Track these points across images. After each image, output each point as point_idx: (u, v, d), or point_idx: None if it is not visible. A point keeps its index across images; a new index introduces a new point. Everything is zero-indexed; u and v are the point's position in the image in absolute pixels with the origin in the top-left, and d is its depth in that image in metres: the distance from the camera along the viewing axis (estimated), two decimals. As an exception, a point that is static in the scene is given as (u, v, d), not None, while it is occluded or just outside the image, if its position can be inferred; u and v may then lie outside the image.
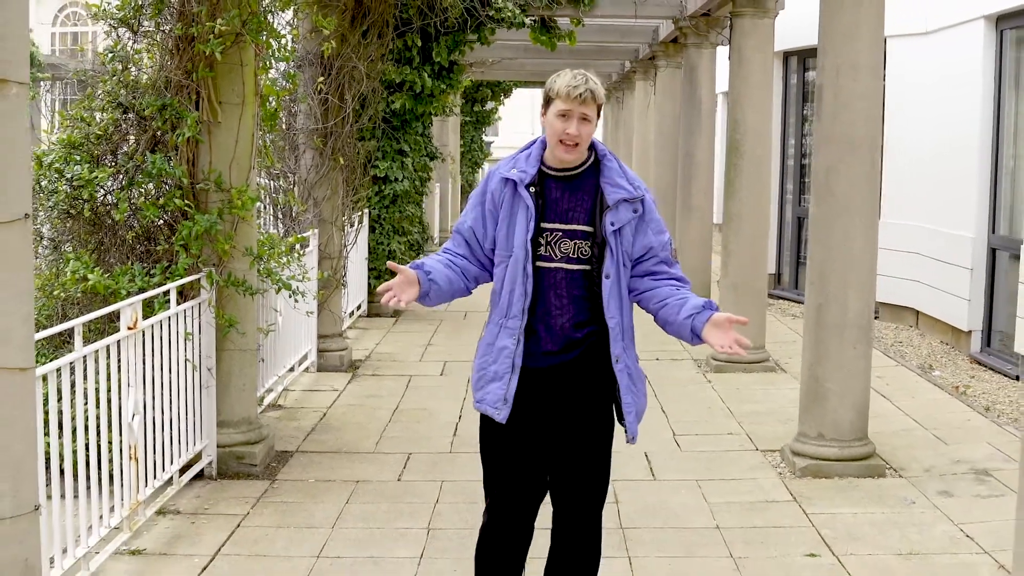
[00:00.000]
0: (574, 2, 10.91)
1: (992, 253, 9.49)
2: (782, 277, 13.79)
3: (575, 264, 3.45)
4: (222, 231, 5.63)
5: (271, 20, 6.04)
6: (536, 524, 3.63)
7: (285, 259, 6.77)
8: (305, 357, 8.32)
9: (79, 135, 5.83)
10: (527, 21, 10.95)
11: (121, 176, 5.79)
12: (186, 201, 5.61)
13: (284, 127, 8.60)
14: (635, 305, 3.59)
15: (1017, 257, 8.83)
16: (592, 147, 3.49)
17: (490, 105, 24.19)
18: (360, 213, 10.05)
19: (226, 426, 5.90)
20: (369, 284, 11.11)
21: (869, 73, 5.91)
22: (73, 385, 4.35)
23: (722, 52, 11.14)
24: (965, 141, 9.77)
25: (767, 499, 5.63)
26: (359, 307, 10.88)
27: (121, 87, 5.84)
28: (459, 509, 5.35)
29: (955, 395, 8.02)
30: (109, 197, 5.82)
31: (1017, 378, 8.57)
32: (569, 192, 3.47)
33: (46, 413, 4.04)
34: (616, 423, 3.58)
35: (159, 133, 5.73)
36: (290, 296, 6.80)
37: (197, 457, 5.71)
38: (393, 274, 3.40)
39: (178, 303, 5.38)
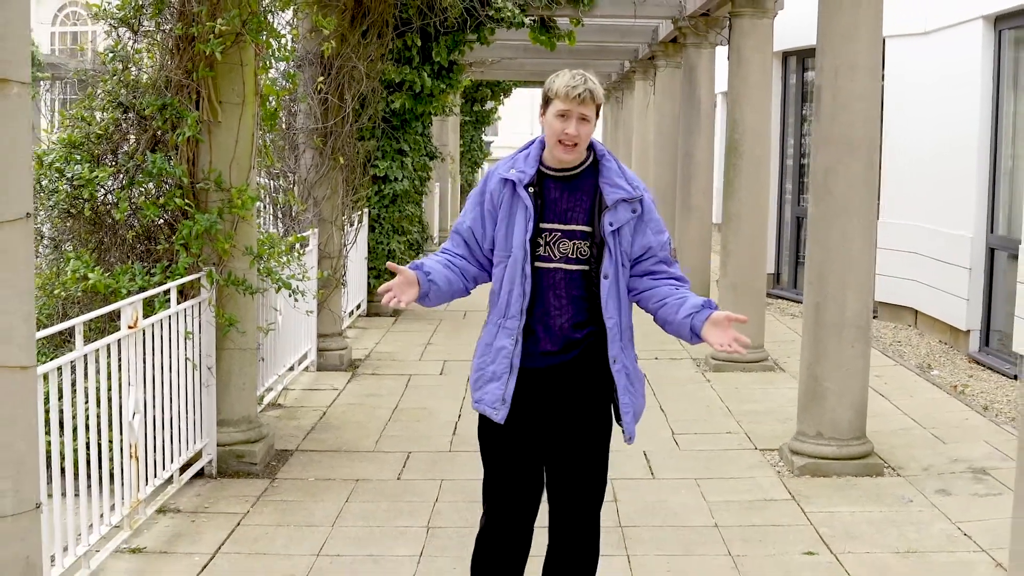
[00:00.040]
0: (573, 2, 10.92)
1: (991, 253, 9.51)
2: (781, 277, 13.81)
3: (574, 264, 3.45)
4: (222, 230, 5.64)
5: (271, 20, 6.05)
6: (535, 523, 3.64)
7: (285, 258, 6.79)
8: (305, 356, 8.33)
9: (79, 134, 5.84)
10: (526, 21, 10.97)
11: (121, 175, 5.81)
12: (186, 200, 5.62)
13: (284, 127, 8.61)
14: (635, 305, 3.59)
15: (1015, 257, 8.85)
16: (591, 147, 3.49)
17: (490, 105, 24.19)
18: (360, 212, 10.07)
19: (226, 425, 5.92)
20: (369, 283, 11.12)
21: (867, 74, 5.92)
22: (74, 384, 4.36)
23: (721, 52, 11.16)
24: (964, 141, 9.78)
25: (765, 498, 5.64)
26: (359, 306, 10.90)
27: (121, 87, 5.85)
28: (458, 508, 5.37)
29: (953, 394, 8.04)
30: (109, 196, 5.84)
31: (1015, 377, 8.58)
32: (568, 192, 3.47)
33: (47, 412, 4.05)
34: (614, 423, 3.59)
35: (159, 132, 5.75)
36: (290, 295, 6.82)
37: (197, 456, 5.73)
38: (393, 275, 3.40)
39: (178, 302, 5.40)
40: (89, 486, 4.44)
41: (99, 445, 4.55)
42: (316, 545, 4.91)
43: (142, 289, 5.39)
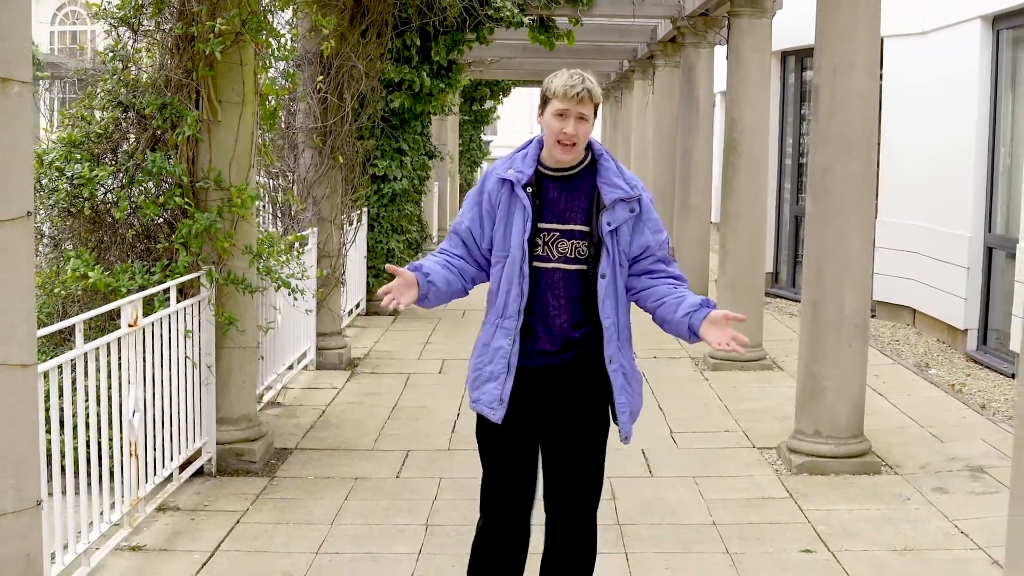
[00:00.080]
0: (572, 1, 10.94)
1: (988, 252, 9.53)
2: (780, 276, 13.83)
3: (572, 264, 3.46)
4: (222, 229, 5.66)
5: (271, 19, 6.07)
6: (533, 521, 3.65)
7: (284, 257, 6.80)
8: (304, 355, 8.35)
9: (79, 134, 5.85)
10: (525, 20, 10.98)
11: (121, 174, 5.82)
12: (186, 199, 5.64)
13: (283, 126, 8.63)
14: (634, 304, 3.60)
15: (1013, 256, 8.87)
16: (589, 147, 3.50)
17: (489, 104, 24.19)
18: (359, 212, 10.08)
19: (226, 423, 5.93)
20: (368, 282, 11.14)
21: (865, 73, 5.94)
22: (74, 382, 4.38)
23: (720, 52, 11.17)
24: (962, 141, 9.80)
25: (763, 496, 5.66)
26: (358, 305, 10.92)
27: (121, 86, 5.86)
28: (457, 505, 5.38)
29: (951, 393, 8.06)
30: (109, 195, 5.85)
31: (1013, 376, 8.60)
32: (566, 192, 3.48)
33: (47, 410, 4.07)
34: (612, 423, 3.60)
35: (159, 132, 5.76)
36: (289, 294, 6.84)
37: (197, 454, 5.74)
38: (392, 277, 3.41)
39: (178, 301, 5.41)
40: (89, 484, 4.45)
41: (99, 443, 4.56)
42: (315, 543, 4.93)
43: (142, 288, 5.40)
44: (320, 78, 8.45)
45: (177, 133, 5.64)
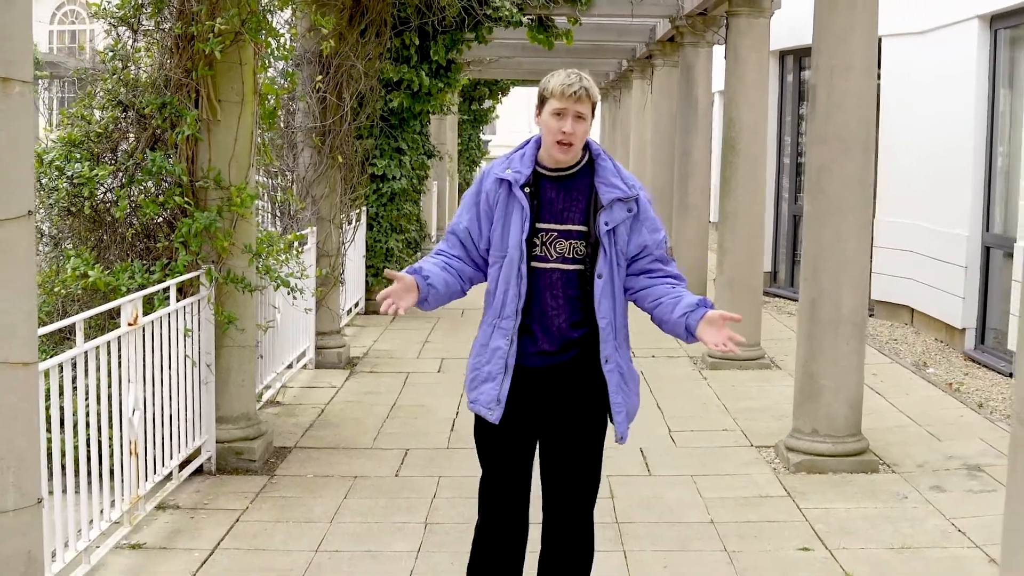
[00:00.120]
0: (571, 1, 10.95)
1: (986, 251, 9.55)
2: (778, 275, 13.84)
3: (571, 264, 3.46)
4: (221, 228, 5.67)
5: (270, 19, 6.08)
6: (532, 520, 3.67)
7: (284, 256, 6.81)
8: (303, 354, 8.37)
9: (79, 133, 5.87)
10: (524, 20, 10.99)
11: (121, 174, 5.83)
12: (186, 199, 5.65)
13: (283, 125, 8.64)
14: (632, 304, 3.61)
15: (1011, 255, 8.90)
16: (586, 147, 3.51)
17: (488, 104, 24.19)
18: (358, 211, 10.09)
19: (225, 422, 5.95)
20: (367, 282, 11.15)
21: (862, 74, 5.96)
22: (74, 381, 4.39)
23: (718, 51, 11.18)
24: (959, 140, 9.82)
25: (761, 494, 5.68)
26: (357, 304, 10.93)
27: (121, 85, 5.88)
28: (456, 504, 5.40)
29: (949, 392, 8.08)
30: (109, 195, 5.87)
31: (1010, 375, 8.62)
32: (564, 192, 3.48)
33: (47, 408, 4.08)
34: (609, 422, 3.60)
35: (159, 131, 5.78)
36: (288, 293, 6.85)
37: (196, 452, 5.76)
38: (390, 280, 3.42)
39: (178, 300, 5.43)
40: (89, 482, 4.47)
41: (99, 442, 4.57)
42: (315, 541, 4.94)
43: (142, 287, 5.41)
44: (319, 77, 8.46)
45: (177, 132, 5.65)
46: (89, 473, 4.46)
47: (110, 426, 4.70)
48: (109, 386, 4.68)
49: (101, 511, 4.61)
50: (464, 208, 3.59)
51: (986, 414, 7.38)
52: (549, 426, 3.54)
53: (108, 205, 5.85)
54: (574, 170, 3.50)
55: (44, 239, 6.00)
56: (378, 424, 6.99)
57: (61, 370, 4.22)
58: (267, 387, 7.32)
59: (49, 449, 4.06)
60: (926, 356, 9.61)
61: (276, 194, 8.73)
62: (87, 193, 5.70)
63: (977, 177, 9.61)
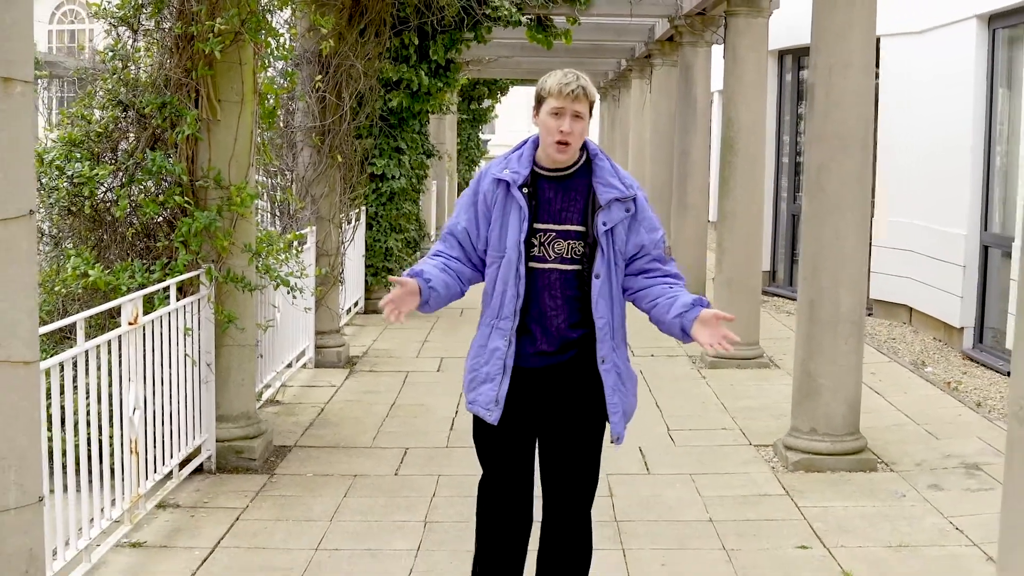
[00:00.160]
0: (570, 1, 10.96)
1: (984, 250, 9.56)
2: (777, 274, 13.86)
3: (569, 264, 3.47)
4: (221, 228, 5.68)
5: (269, 19, 6.09)
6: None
7: (283, 256, 6.82)
8: (303, 353, 8.38)
9: (80, 133, 5.88)
10: (523, 19, 11.00)
11: (121, 173, 5.84)
12: (186, 198, 5.67)
13: (282, 125, 8.65)
14: (631, 304, 3.62)
15: (1009, 254, 8.92)
16: (584, 147, 3.51)
17: (487, 103, 24.19)
18: (357, 210, 10.10)
19: (225, 421, 5.96)
20: (366, 281, 11.16)
21: (861, 72, 5.98)
22: (75, 380, 4.40)
23: (717, 51, 11.20)
24: (958, 139, 9.84)
25: (760, 493, 5.69)
26: (356, 304, 10.94)
27: (121, 85, 5.89)
28: (455, 502, 5.41)
29: (947, 391, 8.09)
30: (109, 194, 5.88)
31: (1008, 374, 8.62)
32: (562, 192, 3.49)
33: (48, 407, 4.09)
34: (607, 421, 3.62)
35: (159, 131, 5.79)
36: (288, 292, 6.86)
37: (196, 451, 5.77)
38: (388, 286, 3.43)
39: (178, 299, 5.44)
40: (90, 481, 4.48)
41: (99, 440, 4.59)
42: (314, 539, 4.95)
43: (142, 286, 5.43)
44: (319, 77, 8.47)
45: (177, 132, 5.66)
46: (90, 472, 4.48)
47: (111, 425, 4.71)
48: (110, 385, 4.70)
49: (102, 509, 4.62)
50: (462, 208, 3.59)
51: (984, 413, 7.39)
52: (548, 425, 3.55)
53: (108, 204, 5.86)
54: (572, 170, 3.50)
55: (45, 238, 6.02)
56: (378, 423, 7.01)
57: (62, 369, 4.23)
58: (267, 386, 7.33)
59: (50, 448, 4.07)
60: (924, 355, 9.63)
61: (276, 193, 8.75)
62: (87, 192, 5.72)
63: (975, 176, 9.62)
